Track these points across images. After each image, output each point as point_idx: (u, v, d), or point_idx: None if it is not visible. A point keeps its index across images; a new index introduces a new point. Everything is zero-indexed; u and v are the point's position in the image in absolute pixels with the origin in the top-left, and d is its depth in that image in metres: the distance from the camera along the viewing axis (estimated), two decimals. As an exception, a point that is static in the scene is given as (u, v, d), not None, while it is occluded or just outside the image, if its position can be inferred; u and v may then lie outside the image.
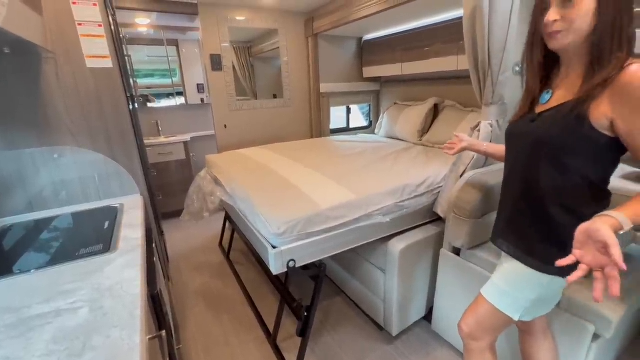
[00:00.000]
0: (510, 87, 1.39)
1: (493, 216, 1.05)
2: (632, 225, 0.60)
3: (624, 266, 0.56)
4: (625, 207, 0.63)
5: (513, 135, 0.92)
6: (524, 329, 1.07)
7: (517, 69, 1.38)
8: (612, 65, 0.69)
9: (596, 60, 0.71)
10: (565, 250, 0.72)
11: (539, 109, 0.84)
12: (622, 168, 1.23)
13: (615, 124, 0.69)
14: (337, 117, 3.47)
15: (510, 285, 0.91)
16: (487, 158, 1.46)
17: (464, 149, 1.24)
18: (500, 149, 1.12)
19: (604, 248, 0.57)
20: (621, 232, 0.60)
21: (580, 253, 0.60)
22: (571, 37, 0.72)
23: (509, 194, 0.94)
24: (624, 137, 0.70)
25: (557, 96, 0.80)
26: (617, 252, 0.56)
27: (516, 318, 0.90)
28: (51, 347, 0.59)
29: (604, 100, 0.69)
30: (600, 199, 0.77)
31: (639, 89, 0.64)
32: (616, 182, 1.08)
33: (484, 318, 0.96)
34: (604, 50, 0.70)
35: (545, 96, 0.83)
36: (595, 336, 1.04)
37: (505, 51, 1.30)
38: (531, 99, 0.87)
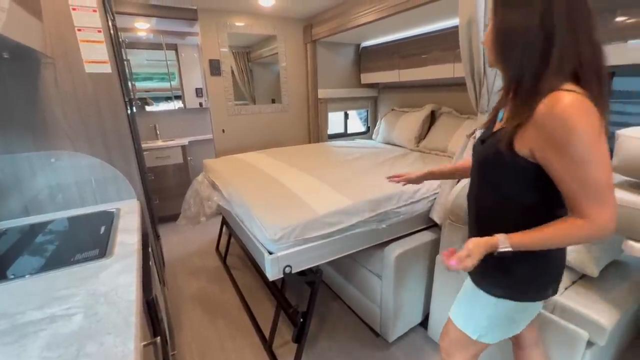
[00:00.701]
0: (505, 96, 1.41)
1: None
2: (509, 247, 0.70)
3: (449, 263, 0.73)
4: (521, 232, 0.70)
5: (472, 154, 0.90)
6: (514, 342, 1.07)
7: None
8: (530, 94, 0.66)
9: (513, 84, 0.70)
10: (509, 274, 0.74)
11: (495, 127, 0.81)
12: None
13: (533, 154, 0.67)
14: (335, 122, 3.49)
15: (467, 302, 0.92)
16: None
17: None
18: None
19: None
20: (499, 250, 0.70)
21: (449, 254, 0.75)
22: (489, 57, 0.77)
23: (469, 212, 0.92)
24: (543, 166, 0.67)
25: (505, 117, 0.77)
26: (457, 255, 0.72)
27: (474, 337, 0.88)
28: (45, 354, 0.59)
29: (527, 129, 0.66)
30: (542, 224, 0.70)
31: (555, 120, 0.61)
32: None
33: (453, 334, 0.95)
34: (512, 76, 0.70)
35: (501, 114, 0.81)
36: (589, 343, 1.04)
37: (500, 60, 1.32)
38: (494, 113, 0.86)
